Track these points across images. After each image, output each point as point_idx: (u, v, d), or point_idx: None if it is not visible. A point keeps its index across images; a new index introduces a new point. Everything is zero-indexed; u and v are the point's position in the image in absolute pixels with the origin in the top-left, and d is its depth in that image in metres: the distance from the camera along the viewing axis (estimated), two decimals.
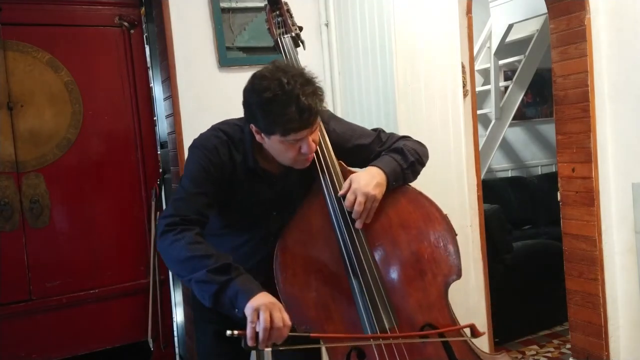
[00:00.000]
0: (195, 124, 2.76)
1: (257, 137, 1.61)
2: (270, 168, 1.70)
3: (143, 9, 3.07)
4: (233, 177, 1.68)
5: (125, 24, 2.99)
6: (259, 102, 1.52)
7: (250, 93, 1.55)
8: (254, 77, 1.56)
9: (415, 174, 1.77)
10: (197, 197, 1.62)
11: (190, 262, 1.50)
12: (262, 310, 1.40)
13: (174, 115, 2.81)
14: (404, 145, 1.76)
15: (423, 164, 1.80)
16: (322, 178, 1.70)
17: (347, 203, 1.63)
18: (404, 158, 1.73)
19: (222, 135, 1.68)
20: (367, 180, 1.64)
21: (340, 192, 1.65)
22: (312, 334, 1.54)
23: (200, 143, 1.68)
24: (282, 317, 1.42)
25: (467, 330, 1.62)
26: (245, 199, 1.71)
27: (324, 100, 1.59)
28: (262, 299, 1.43)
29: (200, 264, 1.48)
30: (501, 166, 5.87)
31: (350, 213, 1.64)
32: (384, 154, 1.75)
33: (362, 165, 1.78)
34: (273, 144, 1.58)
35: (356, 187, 1.63)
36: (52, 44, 2.84)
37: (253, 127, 1.60)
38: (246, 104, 1.58)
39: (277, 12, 1.93)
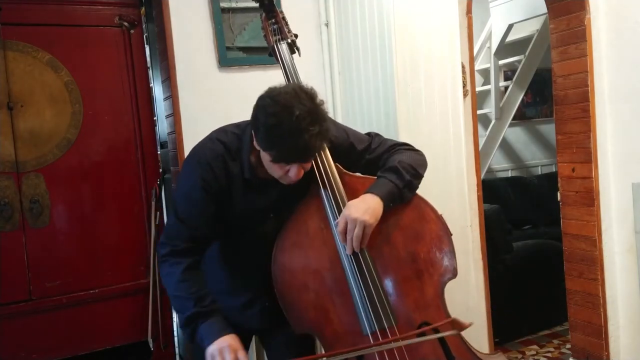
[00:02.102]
0: (195, 124, 2.77)
1: (255, 142, 1.60)
2: (268, 176, 1.69)
3: (143, 9, 3.07)
4: (230, 189, 1.68)
5: (125, 24, 2.99)
6: (264, 123, 1.51)
7: (260, 110, 1.53)
8: (269, 94, 1.54)
9: (413, 191, 1.76)
10: (189, 221, 1.65)
11: (176, 301, 1.64)
12: (216, 354, 1.51)
13: (174, 115, 2.80)
14: (399, 163, 1.74)
15: (421, 177, 1.79)
16: (319, 180, 1.71)
17: (338, 229, 1.65)
18: (400, 177, 1.71)
19: (218, 147, 1.67)
20: (360, 207, 1.64)
21: (337, 221, 1.66)
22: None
23: (195, 160, 1.67)
24: (236, 358, 1.51)
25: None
26: (242, 207, 1.71)
27: (328, 139, 1.60)
28: (217, 344, 1.53)
29: (182, 305, 1.61)
30: (501, 166, 5.87)
31: None
32: (380, 175, 1.74)
33: (350, 167, 1.79)
34: (264, 156, 1.59)
35: (347, 214, 1.63)
36: (52, 44, 2.84)
37: (253, 134, 1.59)
38: (254, 116, 1.57)
39: (273, 20, 1.95)
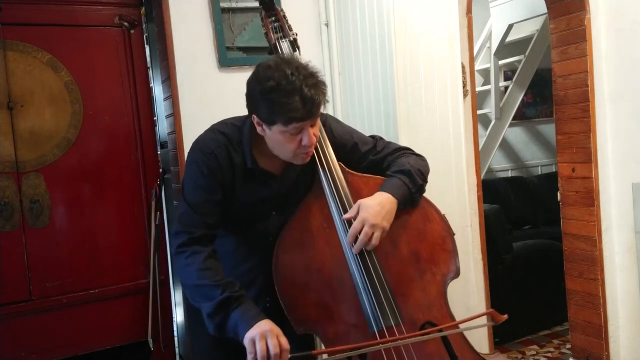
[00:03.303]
0: (195, 124, 2.77)
1: (259, 129, 1.60)
2: (270, 167, 1.70)
3: (143, 9, 3.07)
4: (233, 180, 1.68)
5: (125, 24, 2.99)
6: (262, 91, 1.53)
7: (254, 82, 1.56)
8: (258, 67, 1.58)
9: (422, 194, 1.77)
10: (200, 207, 1.63)
11: (199, 291, 1.56)
12: (258, 339, 1.43)
13: (174, 115, 2.81)
14: (410, 166, 1.75)
15: (426, 182, 1.80)
16: (323, 177, 1.71)
17: (352, 231, 1.62)
18: (413, 181, 1.72)
19: (220, 138, 1.67)
20: (377, 210, 1.62)
21: (346, 216, 1.65)
22: (313, 352, 1.57)
23: (198, 148, 1.68)
24: (279, 343, 1.45)
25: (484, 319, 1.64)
26: (245, 199, 1.71)
27: (327, 95, 1.59)
28: (258, 328, 1.46)
29: (207, 294, 1.53)
30: (501, 166, 5.87)
31: None
32: (393, 175, 1.73)
33: (353, 167, 1.78)
34: (274, 136, 1.58)
35: (365, 217, 1.61)
36: (52, 44, 2.84)
37: (255, 118, 1.59)
38: (249, 93, 1.58)
39: (274, 18, 1.95)
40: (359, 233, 1.61)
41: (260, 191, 1.72)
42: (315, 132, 1.61)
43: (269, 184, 1.72)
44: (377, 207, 1.63)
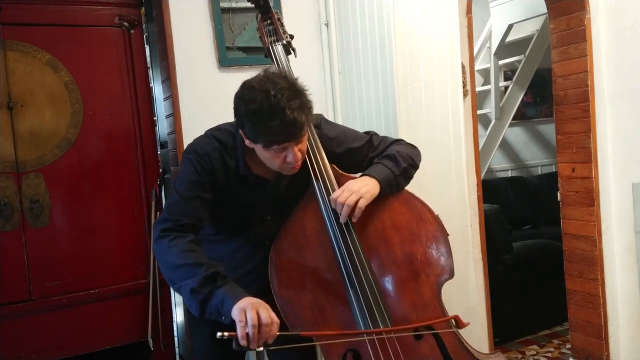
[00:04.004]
0: (195, 124, 2.77)
1: (246, 141, 1.62)
2: (263, 173, 1.70)
3: (143, 9, 3.07)
4: (226, 183, 1.69)
5: (125, 24, 2.98)
6: (245, 112, 1.53)
7: (239, 101, 1.56)
8: (243, 86, 1.57)
9: (408, 180, 1.78)
10: (191, 200, 1.63)
11: (181, 270, 1.52)
12: (249, 309, 1.40)
13: (174, 115, 2.81)
14: (396, 152, 1.77)
15: (417, 167, 1.81)
16: (315, 182, 1.72)
17: (333, 196, 1.65)
18: (397, 164, 1.74)
19: (214, 142, 1.69)
20: (356, 182, 1.68)
21: (332, 196, 1.67)
22: (302, 332, 1.55)
23: (192, 149, 1.69)
24: (269, 315, 1.43)
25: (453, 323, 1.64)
26: (239, 204, 1.72)
27: (312, 113, 1.59)
28: (248, 300, 1.44)
29: (190, 272, 1.50)
30: (501, 166, 5.87)
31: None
32: (377, 162, 1.76)
33: (354, 169, 1.79)
34: (259, 151, 1.60)
35: (345, 186, 1.66)
36: (52, 44, 2.84)
37: (241, 133, 1.61)
38: (235, 110, 1.59)
39: (269, 21, 1.96)
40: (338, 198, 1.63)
41: (255, 195, 1.73)
42: (302, 147, 1.61)
43: (262, 189, 1.73)
44: (358, 183, 1.68)
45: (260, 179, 1.71)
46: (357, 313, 1.61)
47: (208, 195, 1.66)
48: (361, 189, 1.65)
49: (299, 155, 1.59)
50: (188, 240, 1.57)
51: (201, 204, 1.65)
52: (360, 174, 1.78)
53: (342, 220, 1.65)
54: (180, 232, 1.59)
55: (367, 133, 1.87)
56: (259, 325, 1.39)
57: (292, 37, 1.98)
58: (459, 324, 1.61)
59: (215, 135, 1.71)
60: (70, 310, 2.88)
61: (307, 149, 1.69)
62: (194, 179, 1.65)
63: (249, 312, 1.39)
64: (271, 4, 2.02)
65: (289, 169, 1.63)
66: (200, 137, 1.74)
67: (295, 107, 1.50)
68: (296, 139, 1.55)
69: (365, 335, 1.57)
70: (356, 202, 1.63)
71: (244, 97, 1.53)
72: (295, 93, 1.53)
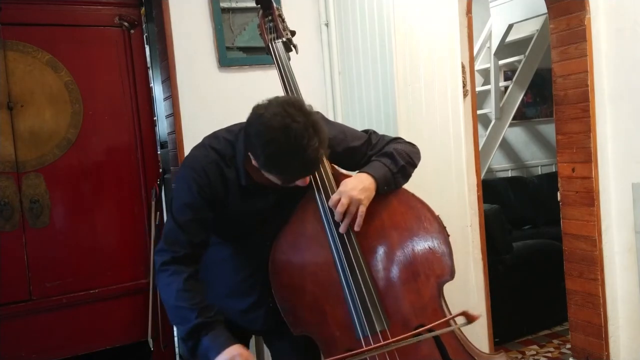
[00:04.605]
0: (195, 124, 2.77)
1: (253, 161, 1.57)
2: (266, 181, 1.66)
3: (143, 9, 3.07)
4: (226, 195, 1.66)
5: (125, 24, 2.98)
6: (262, 150, 1.48)
7: (256, 137, 1.49)
8: (260, 120, 1.48)
9: (406, 177, 1.77)
10: (186, 226, 1.61)
11: (177, 312, 1.56)
12: None
13: (174, 115, 2.81)
14: (394, 149, 1.76)
15: (415, 165, 1.80)
16: (314, 183, 1.70)
17: (330, 202, 1.64)
18: (394, 162, 1.73)
19: (212, 154, 1.65)
20: (354, 185, 1.65)
21: (330, 202, 1.66)
22: None
23: (188, 164, 1.66)
24: None
25: (461, 320, 1.55)
26: (240, 212, 1.71)
27: (327, 145, 1.55)
28: (228, 353, 1.47)
29: (183, 317, 1.54)
30: (501, 166, 5.87)
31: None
32: (374, 159, 1.75)
33: (354, 168, 1.79)
34: (268, 175, 1.57)
35: (342, 190, 1.64)
36: (52, 44, 2.84)
37: (250, 155, 1.56)
38: (248, 137, 1.53)
39: (269, 18, 1.94)
40: (337, 206, 1.63)
41: (257, 204, 1.71)
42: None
43: (265, 196, 1.71)
44: (355, 181, 1.66)
45: (262, 186, 1.68)
46: (353, 314, 1.61)
47: (205, 214, 1.63)
48: (359, 193, 1.63)
49: (308, 180, 1.61)
50: (184, 278, 1.57)
51: (198, 225, 1.63)
52: (357, 171, 1.77)
53: (343, 230, 1.64)
54: (178, 267, 1.59)
55: (365, 132, 1.86)
56: None
57: (293, 33, 1.94)
58: (469, 318, 1.51)
59: (212, 145, 1.67)
60: (70, 310, 2.88)
61: None
62: (188, 201, 1.61)
63: None
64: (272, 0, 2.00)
65: (292, 185, 1.61)
66: (197, 148, 1.70)
67: (315, 147, 1.46)
68: (312, 174, 1.56)
69: (366, 354, 1.53)
70: (356, 212, 1.62)
71: (261, 135, 1.47)
72: (315, 131, 1.47)
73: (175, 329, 3.22)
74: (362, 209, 1.63)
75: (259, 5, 1.97)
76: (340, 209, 1.62)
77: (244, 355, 1.47)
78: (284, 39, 1.91)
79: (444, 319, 1.59)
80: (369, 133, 1.85)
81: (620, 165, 2.87)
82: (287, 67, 1.87)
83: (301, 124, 1.45)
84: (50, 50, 2.84)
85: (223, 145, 1.66)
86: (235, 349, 1.48)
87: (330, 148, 1.74)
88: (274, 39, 1.91)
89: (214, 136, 1.71)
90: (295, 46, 1.94)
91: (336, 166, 1.78)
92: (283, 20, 1.95)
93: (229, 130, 1.71)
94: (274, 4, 1.97)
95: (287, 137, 1.44)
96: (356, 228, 1.64)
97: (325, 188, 1.69)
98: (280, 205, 1.74)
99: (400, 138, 1.86)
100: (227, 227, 1.75)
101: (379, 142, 1.82)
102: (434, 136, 2.70)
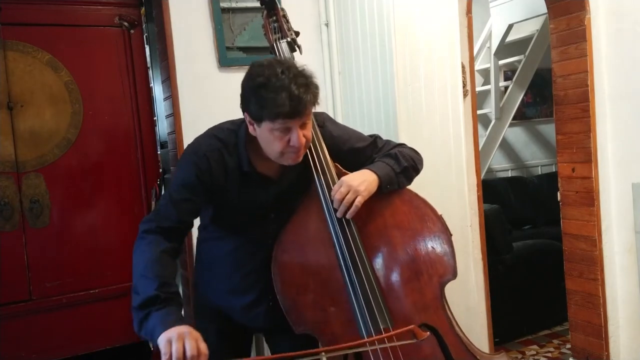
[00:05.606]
0: (195, 124, 2.77)
1: (250, 128, 1.60)
2: (267, 171, 1.69)
3: (143, 9, 3.07)
4: (227, 183, 1.67)
5: (125, 24, 2.99)
6: (251, 87, 1.54)
7: (246, 79, 1.58)
8: (252, 65, 1.60)
9: (409, 180, 1.78)
10: (179, 204, 1.64)
11: (139, 281, 1.51)
12: (174, 340, 1.35)
13: (174, 115, 2.81)
14: (398, 152, 1.78)
15: (417, 171, 1.81)
16: (317, 180, 1.71)
17: (332, 191, 1.66)
18: (398, 163, 1.74)
19: (214, 142, 1.67)
20: (355, 177, 1.68)
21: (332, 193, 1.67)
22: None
23: (191, 150, 1.69)
24: (197, 346, 1.37)
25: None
26: (241, 202, 1.71)
27: (318, 98, 1.58)
28: (176, 330, 1.38)
29: (144, 287, 1.48)
30: (501, 166, 5.87)
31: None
32: (378, 160, 1.77)
33: (357, 169, 1.79)
34: (263, 134, 1.57)
35: (343, 179, 1.67)
36: (52, 44, 2.85)
37: (247, 117, 1.60)
38: (242, 90, 1.60)
39: (274, 18, 1.96)
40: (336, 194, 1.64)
41: (258, 195, 1.71)
42: (307, 134, 1.58)
43: (266, 188, 1.72)
44: (357, 175, 1.69)
45: (263, 177, 1.70)
46: (357, 312, 1.61)
47: (200, 198, 1.66)
48: (360, 185, 1.65)
49: (303, 140, 1.56)
50: (161, 250, 1.56)
51: (190, 206, 1.66)
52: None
53: (339, 215, 1.66)
54: (159, 237, 1.59)
55: (370, 136, 1.88)
56: (184, 358, 1.34)
57: (297, 33, 1.97)
58: (417, 335, 1.49)
59: (216, 134, 1.70)
60: (70, 310, 2.88)
61: (310, 146, 1.67)
62: (187, 182, 1.65)
63: (175, 344, 1.34)
64: (277, 0, 2.01)
65: (291, 155, 1.59)
66: (201, 136, 1.73)
67: (302, 83, 1.52)
68: (301, 115, 1.53)
69: (367, 345, 1.54)
70: (353, 201, 1.63)
71: (252, 73, 1.55)
72: (302, 73, 1.54)
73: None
74: (360, 200, 1.64)
75: (263, 6, 1.98)
76: (338, 197, 1.64)
77: (193, 335, 1.38)
78: (289, 39, 1.93)
79: (399, 331, 1.53)
80: (374, 137, 1.87)
81: (620, 165, 2.87)
82: None
83: (289, 64, 1.55)
84: (50, 50, 2.84)
85: (226, 134, 1.70)
86: (184, 327, 1.40)
87: (336, 147, 1.78)
88: (279, 39, 1.92)
89: (218, 127, 1.75)
90: (299, 46, 1.96)
91: (339, 166, 1.78)
92: (287, 21, 1.96)
93: (232, 121, 1.74)
94: (279, 5, 1.98)
95: (275, 72, 1.51)
96: (348, 216, 1.65)
97: (327, 183, 1.70)
98: (281, 201, 1.74)
99: (404, 144, 1.88)
100: (226, 217, 1.75)
101: (384, 146, 1.84)
102: (434, 136, 2.70)
